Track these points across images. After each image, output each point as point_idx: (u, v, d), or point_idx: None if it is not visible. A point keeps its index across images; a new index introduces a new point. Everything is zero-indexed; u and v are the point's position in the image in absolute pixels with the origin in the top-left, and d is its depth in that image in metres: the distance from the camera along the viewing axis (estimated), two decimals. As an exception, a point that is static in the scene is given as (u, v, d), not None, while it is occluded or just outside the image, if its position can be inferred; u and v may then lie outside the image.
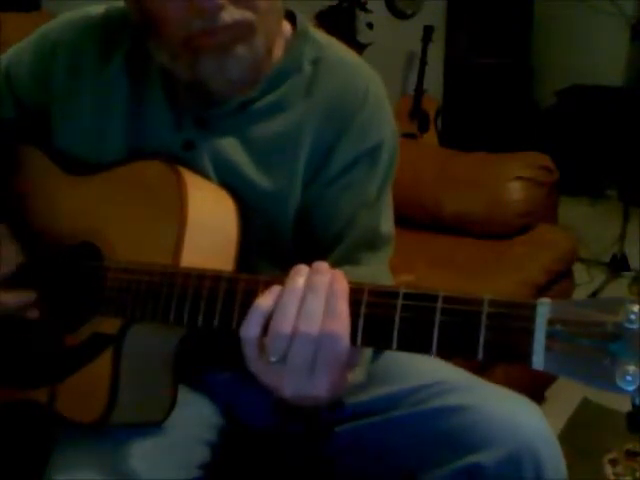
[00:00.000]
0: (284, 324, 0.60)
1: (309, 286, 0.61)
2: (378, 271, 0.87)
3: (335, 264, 0.83)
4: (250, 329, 0.62)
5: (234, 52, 0.75)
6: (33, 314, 0.84)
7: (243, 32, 0.75)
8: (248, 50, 0.76)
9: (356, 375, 0.81)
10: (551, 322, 0.51)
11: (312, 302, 0.60)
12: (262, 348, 0.62)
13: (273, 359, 0.61)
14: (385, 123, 0.88)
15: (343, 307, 0.60)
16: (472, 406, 0.79)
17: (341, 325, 0.59)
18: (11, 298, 0.83)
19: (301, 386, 0.62)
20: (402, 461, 0.83)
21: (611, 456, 1.75)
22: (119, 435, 0.80)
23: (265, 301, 0.62)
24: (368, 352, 0.80)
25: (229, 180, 0.83)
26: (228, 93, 0.82)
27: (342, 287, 0.61)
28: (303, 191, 0.85)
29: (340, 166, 0.85)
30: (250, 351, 0.62)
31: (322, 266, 0.62)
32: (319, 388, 0.62)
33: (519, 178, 1.93)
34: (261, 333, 0.61)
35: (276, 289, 0.62)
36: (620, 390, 0.48)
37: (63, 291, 0.85)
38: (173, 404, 0.82)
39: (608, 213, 3.34)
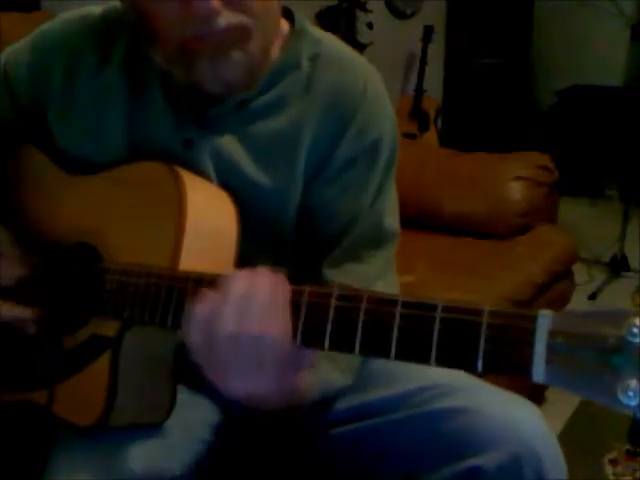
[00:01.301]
0: (222, 329, 0.61)
1: (248, 290, 0.62)
2: (382, 269, 0.87)
3: (338, 261, 0.84)
4: (192, 336, 0.63)
5: (229, 56, 0.75)
6: (30, 329, 0.84)
7: (238, 36, 0.75)
8: (243, 54, 0.76)
9: (345, 379, 0.82)
10: (552, 334, 0.50)
11: (250, 306, 0.62)
12: (208, 350, 0.63)
13: (217, 360, 0.63)
14: (384, 117, 0.88)
15: (279, 310, 0.62)
16: (472, 408, 0.79)
17: (277, 327, 0.61)
18: (6, 311, 0.83)
19: (246, 386, 0.64)
20: (402, 464, 0.83)
21: (611, 456, 1.75)
22: (118, 436, 0.80)
23: (202, 307, 0.63)
24: (356, 357, 0.80)
25: (229, 178, 0.83)
26: (225, 94, 0.81)
27: (282, 291, 0.62)
28: (304, 189, 0.85)
29: (341, 163, 0.84)
30: (197, 356, 0.64)
31: (262, 271, 0.64)
32: (264, 387, 0.63)
33: (519, 178, 1.94)
34: (204, 338, 0.63)
35: (214, 294, 0.64)
36: (622, 405, 0.47)
37: (62, 292, 0.85)
38: (172, 406, 0.81)
39: (608, 213, 3.34)
